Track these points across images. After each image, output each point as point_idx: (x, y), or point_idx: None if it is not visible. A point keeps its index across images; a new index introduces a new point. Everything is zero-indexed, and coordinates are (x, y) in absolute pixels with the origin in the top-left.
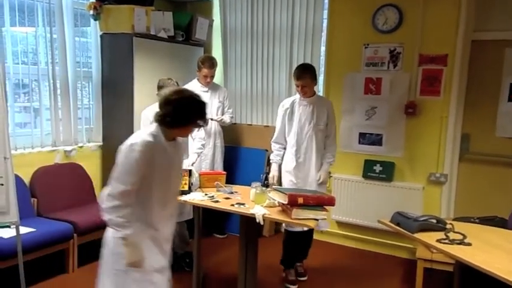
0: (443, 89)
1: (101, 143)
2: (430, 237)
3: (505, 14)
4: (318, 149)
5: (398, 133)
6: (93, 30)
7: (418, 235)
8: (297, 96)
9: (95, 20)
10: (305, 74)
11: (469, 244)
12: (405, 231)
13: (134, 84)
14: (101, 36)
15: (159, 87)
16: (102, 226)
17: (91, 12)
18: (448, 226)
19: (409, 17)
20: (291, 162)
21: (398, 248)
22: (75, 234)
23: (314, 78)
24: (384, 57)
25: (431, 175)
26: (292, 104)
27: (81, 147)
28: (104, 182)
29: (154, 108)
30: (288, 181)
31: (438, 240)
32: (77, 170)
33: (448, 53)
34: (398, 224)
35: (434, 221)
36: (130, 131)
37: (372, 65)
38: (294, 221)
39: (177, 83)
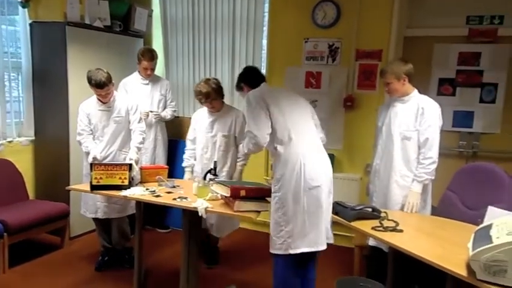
0: (378, 83)
1: (33, 138)
2: (366, 225)
3: (435, 11)
4: None
5: (337, 126)
6: (22, 18)
7: (354, 223)
8: None
9: (24, 7)
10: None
11: (401, 231)
12: (343, 220)
13: (68, 75)
14: (31, 25)
15: (89, 79)
16: (34, 225)
17: None
18: (382, 214)
19: (346, 13)
20: None
21: (336, 237)
22: (5, 234)
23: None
24: (323, 51)
25: (367, 166)
26: None
27: (10, 142)
28: (37, 178)
29: (92, 102)
30: None
31: (373, 228)
32: (7, 166)
33: (383, 48)
34: (337, 214)
35: (370, 209)
36: (66, 125)
37: (312, 59)
38: (236, 213)
39: (108, 73)
